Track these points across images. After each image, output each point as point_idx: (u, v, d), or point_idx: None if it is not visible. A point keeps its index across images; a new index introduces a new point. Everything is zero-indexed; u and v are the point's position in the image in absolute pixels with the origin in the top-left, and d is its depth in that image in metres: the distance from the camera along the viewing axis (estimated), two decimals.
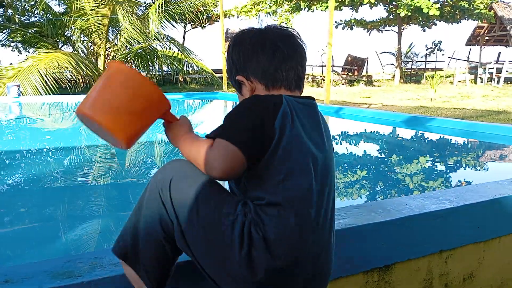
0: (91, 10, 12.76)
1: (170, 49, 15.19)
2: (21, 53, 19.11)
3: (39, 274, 1.14)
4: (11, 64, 13.69)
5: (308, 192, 0.97)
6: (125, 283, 1.16)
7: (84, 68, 12.30)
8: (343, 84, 19.11)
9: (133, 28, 13.00)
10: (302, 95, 1.14)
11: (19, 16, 18.74)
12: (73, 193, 3.15)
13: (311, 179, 0.99)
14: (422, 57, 24.95)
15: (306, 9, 18.72)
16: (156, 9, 13.14)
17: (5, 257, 1.98)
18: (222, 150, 0.95)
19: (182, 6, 14.20)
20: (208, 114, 9.66)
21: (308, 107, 1.07)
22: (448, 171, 3.90)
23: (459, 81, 17.08)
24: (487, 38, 21.40)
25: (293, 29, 1.16)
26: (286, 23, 17.86)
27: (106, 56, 14.05)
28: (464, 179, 3.57)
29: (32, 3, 15.90)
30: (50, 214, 2.68)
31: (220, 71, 16.53)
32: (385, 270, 1.57)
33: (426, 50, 24.71)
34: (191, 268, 1.15)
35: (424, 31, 20.47)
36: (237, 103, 1.09)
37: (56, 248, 2.11)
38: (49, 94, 10.80)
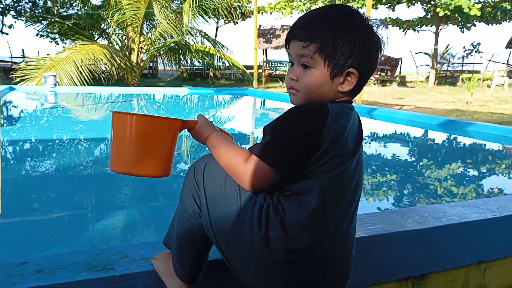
0: (128, 4, 12.97)
1: (202, 44, 15.29)
2: (58, 44, 19.67)
3: (72, 265, 1.15)
4: (48, 54, 14.11)
5: (336, 189, 0.96)
6: (156, 278, 1.15)
7: (118, 60, 12.52)
8: (374, 84, 18.79)
9: (167, 22, 13.14)
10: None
11: (57, 8, 19.28)
12: (102, 183, 3.19)
13: (344, 183, 0.97)
14: (459, 58, 24.23)
15: None
16: (190, 3, 13.22)
17: (37, 247, 2.02)
18: (257, 170, 0.94)
19: (216, 1, 14.24)
20: (237, 110, 9.66)
21: (350, 110, 1.02)
22: (488, 178, 3.76)
23: (497, 85, 16.48)
24: None
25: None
26: None
27: (140, 49, 14.26)
28: (506, 188, 3.43)
29: None
30: (80, 204, 2.73)
31: (251, 67, 16.54)
32: (420, 279, 1.51)
33: (464, 51, 24.01)
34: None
35: (463, 32, 19.86)
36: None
37: (86, 239, 2.14)
38: (84, 85, 11.06)
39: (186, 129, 1.12)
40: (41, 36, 17.55)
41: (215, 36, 22.55)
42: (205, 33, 15.35)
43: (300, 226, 0.92)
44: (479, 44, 23.52)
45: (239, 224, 0.96)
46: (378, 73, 20.43)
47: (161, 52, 14.18)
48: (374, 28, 1.01)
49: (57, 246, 2.03)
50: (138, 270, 1.14)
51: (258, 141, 1.01)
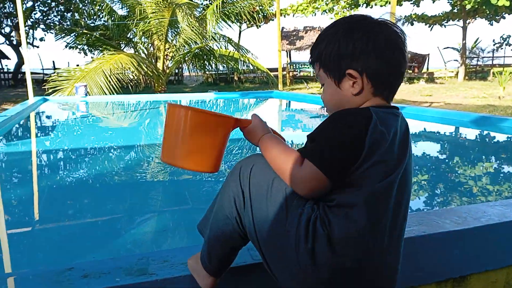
0: (152, 12, 13.22)
1: (226, 49, 15.41)
2: (86, 55, 20.21)
3: (115, 270, 1.19)
4: (78, 65, 14.51)
5: (382, 201, 0.94)
6: (196, 282, 1.18)
7: (145, 68, 12.77)
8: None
9: (191, 29, 13.32)
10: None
11: (85, 20, 19.82)
12: (134, 189, 3.25)
13: (391, 194, 0.95)
14: (488, 52, 23.55)
15: (364, 5, 18.28)
16: (213, 10, 13.37)
17: (75, 253, 2.08)
18: (309, 175, 0.93)
19: (238, 6, 14.35)
20: (263, 113, 9.68)
21: (395, 116, 1.00)
22: None
23: None
24: None
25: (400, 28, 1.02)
26: None
27: (165, 56, 14.49)
28: None
29: (98, 7, 16.70)
30: (113, 210, 2.78)
31: (275, 69, 16.53)
32: (460, 281, 1.48)
33: (494, 45, 23.33)
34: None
35: (492, 24, 19.31)
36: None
37: (120, 244, 2.19)
38: (113, 93, 11.32)
39: (239, 128, 1.13)
40: (71, 47, 18.07)
41: (238, 41, 22.70)
42: (228, 38, 15.47)
43: (347, 243, 0.91)
44: (509, 36, 22.81)
45: (284, 234, 0.95)
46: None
47: (186, 59, 14.37)
48: (389, 25, 1.00)
49: (95, 253, 2.08)
50: (178, 275, 1.17)
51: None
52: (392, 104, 1.05)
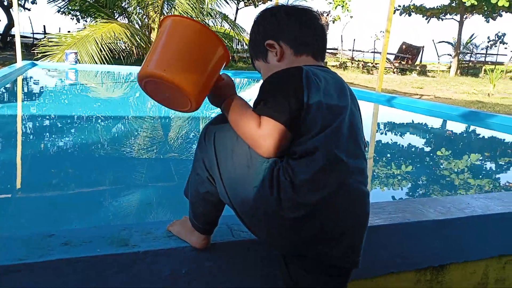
0: None
1: (221, 26, 15.19)
2: (79, 22, 19.75)
3: (97, 239, 1.17)
4: (69, 32, 14.19)
5: (338, 140, 1.00)
6: (180, 256, 1.17)
7: (138, 40, 12.54)
8: (394, 72, 18.49)
9: (187, 3, 13.08)
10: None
11: None
12: (120, 161, 3.22)
13: (341, 135, 1.01)
14: (482, 49, 23.64)
15: None
16: None
17: (59, 221, 2.06)
18: (268, 131, 0.97)
19: None
20: (255, 94, 9.63)
21: (329, 72, 1.11)
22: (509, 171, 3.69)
23: None
24: None
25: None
26: (342, 6, 17.34)
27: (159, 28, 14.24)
28: None
29: None
30: (97, 181, 2.76)
31: None
32: (439, 269, 1.51)
33: (488, 42, 23.40)
34: None
35: (488, 21, 19.36)
36: (263, 75, 1.17)
37: (105, 215, 2.18)
38: (104, 63, 11.13)
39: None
40: (63, 13, 17.63)
41: (235, 19, 22.37)
42: (225, 14, 15.24)
43: (309, 183, 0.96)
44: (504, 34, 22.89)
45: (252, 190, 0.99)
46: (399, 61, 20.07)
47: None
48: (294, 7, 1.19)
49: (78, 222, 2.06)
50: (161, 247, 1.16)
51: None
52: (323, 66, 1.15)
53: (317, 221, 0.96)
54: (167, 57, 0.97)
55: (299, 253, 1.01)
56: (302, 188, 0.95)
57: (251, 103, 1.08)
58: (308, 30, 1.15)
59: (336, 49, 23.05)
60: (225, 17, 15.19)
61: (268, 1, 22.20)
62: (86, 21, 17.54)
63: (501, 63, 21.77)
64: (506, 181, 3.52)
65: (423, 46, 20.93)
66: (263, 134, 0.97)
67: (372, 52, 21.13)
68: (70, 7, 15.78)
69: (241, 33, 15.05)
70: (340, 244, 0.99)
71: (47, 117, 4.99)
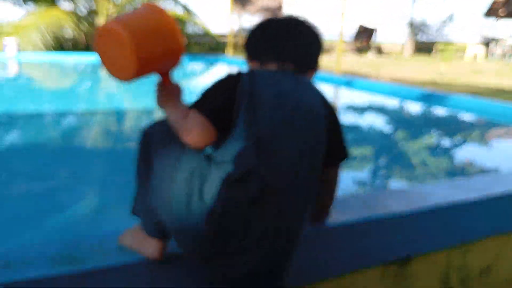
0: None
1: (173, 10, 14.77)
2: (21, 7, 18.59)
3: (39, 259, 1.06)
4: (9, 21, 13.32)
5: (249, 159, 0.99)
6: (133, 272, 1.08)
7: (85, 27, 12.00)
8: (351, 54, 18.74)
9: None
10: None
11: None
12: (69, 160, 3.02)
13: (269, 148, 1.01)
14: (435, 29, 24.32)
15: None
16: None
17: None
18: (192, 121, 1.02)
19: None
20: (211, 78, 9.48)
21: (281, 75, 1.11)
22: (474, 156, 3.76)
23: (471, 56, 16.71)
24: (502, 11, 20.77)
25: (301, 17, 1.23)
26: None
27: (108, 16, 13.65)
28: (491, 166, 3.44)
29: None
30: (44, 184, 2.55)
31: (225, 36, 16.16)
32: (403, 263, 1.49)
33: (440, 21, 24.09)
34: None
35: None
36: None
37: (50, 226, 2.01)
38: (49, 52, 10.57)
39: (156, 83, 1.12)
40: None
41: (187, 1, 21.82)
42: None
43: (218, 193, 0.97)
44: (454, 14, 23.63)
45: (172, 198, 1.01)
46: (355, 42, 20.33)
47: None
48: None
49: (16, 237, 1.88)
50: (112, 263, 1.06)
51: None
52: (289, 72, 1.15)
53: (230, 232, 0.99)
54: (132, 21, 1.01)
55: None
56: (207, 197, 1.00)
57: None
58: (268, 41, 1.20)
59: None
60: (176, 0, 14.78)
61: None
62: (28, 6, 16.53)
63: (453, 43, 22.54)
64: (458, 159, 3.62)
65: (378, 27, 21.32)
66: (188, 125, 1.02)
67: (329, 33, 21.30)
68: None
69: (193, 18, 14.73)
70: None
71: None
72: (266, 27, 1.22)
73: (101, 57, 1.05)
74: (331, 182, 1.22)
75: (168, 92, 1.10)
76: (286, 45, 1.19)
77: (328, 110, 1.12)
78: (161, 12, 1.03)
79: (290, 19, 1.23)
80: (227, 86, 1.08)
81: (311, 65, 1.22)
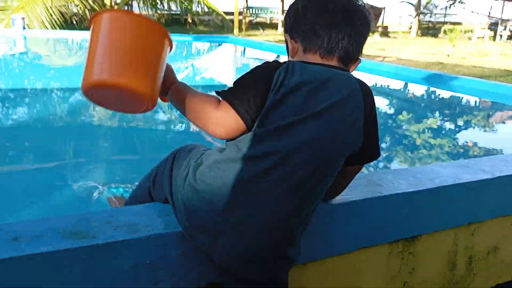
0: None
1: None
2: None
3: (50, 232, 1.06)
4: None
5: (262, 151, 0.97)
6: (143, 246, 1.09)
7: (91, 2, 11.86)
8: None
9: None
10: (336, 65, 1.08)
11: None
12: (76, 136, 3.02)
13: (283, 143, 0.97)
14: (441, 9, 23.92)
15: None
16: None
17: (10, 211, 1.89)
18: (226, 114, 0.97)
19: None
20: (218, 59, 9.39)
21: (327, 72, 1.02)
22: (480, 137, 3.74)
23: (478, 37, 16.46)
24: None
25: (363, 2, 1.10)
26: None
27: None
28: (498, 148, 3.42)
29: None
30: (52, 159, 2.56)
31: (231, 13, 15.96)
32: (411, 241, 1.50)
33: (447, 2, 23.67)
34: None
35: None
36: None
37: (60, 200, 2.03)
38: (55, 28, 10.48)
39: None
40: None
41: None
42: None
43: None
44: None
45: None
46: None
47: None
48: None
49: (30, 210, 1.90)
50: (123, 238, 1.07)
51: None
52: (335, 65, 1.07)
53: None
54: (115, 60, 0.87)
55: None
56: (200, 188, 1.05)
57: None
58: (322, 26, 1.04)
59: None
60: None
61: None
62: None
63: (460, 23, 22.16)
64: (464, 140, 3.60)
65: (384, 7, 20.96)
66: (217, 117, 0.98)
67: None
68: None
69: None
70: None
71: None
72: (322, 6, 1.06)
73: (104, 106, 0.98)
74: (350, 177, 1.20)
75: (166, 77, 1.04)
76: (338, 36, 1.05)
77: (367, 111, 1.07)
78: (131, 20, 0.91)
79: (348, 1, 1.08)
80: (263, 81, 0.99)
81: (356, 57, 1.10)
